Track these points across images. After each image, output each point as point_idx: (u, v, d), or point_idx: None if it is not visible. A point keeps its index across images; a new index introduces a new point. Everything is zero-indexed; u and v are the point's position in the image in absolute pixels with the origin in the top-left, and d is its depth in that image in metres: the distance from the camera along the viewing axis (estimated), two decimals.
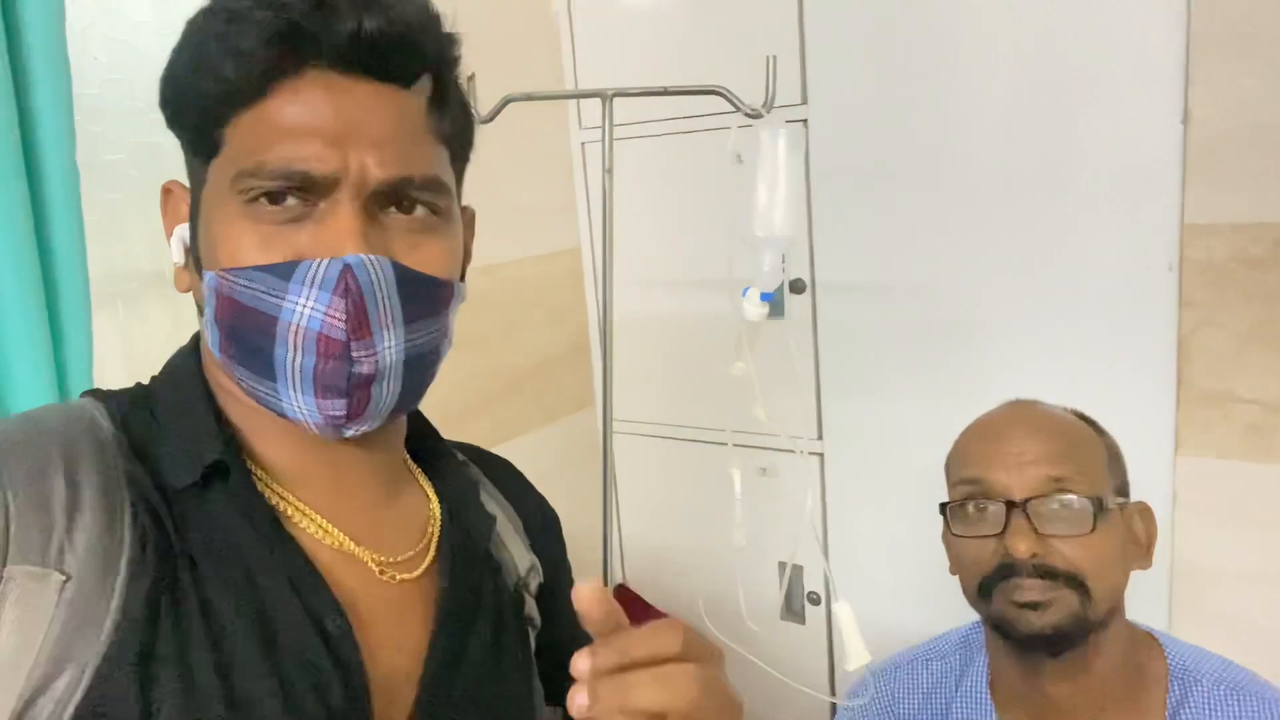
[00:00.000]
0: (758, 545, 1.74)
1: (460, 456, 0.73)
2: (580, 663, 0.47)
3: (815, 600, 1.75)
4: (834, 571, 1.70)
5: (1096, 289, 1.39)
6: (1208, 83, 1.27)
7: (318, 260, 0.51)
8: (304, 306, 0.51)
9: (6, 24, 0.97)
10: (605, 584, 0.80)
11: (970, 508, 0.88)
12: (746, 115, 0.78)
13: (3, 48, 0.95)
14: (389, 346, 0.53)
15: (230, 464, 0.54)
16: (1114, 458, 0.90)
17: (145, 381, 0.62)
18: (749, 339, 0.85)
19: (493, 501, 0.72)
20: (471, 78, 0.96)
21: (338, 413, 0.53)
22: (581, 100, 1.81)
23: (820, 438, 1.67)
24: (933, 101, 1.46)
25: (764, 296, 0.82)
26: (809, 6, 1.52)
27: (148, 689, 0.48)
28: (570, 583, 0.75)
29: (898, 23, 1.47)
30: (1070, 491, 0.84)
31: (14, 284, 0.96)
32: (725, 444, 1.83)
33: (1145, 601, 0.90)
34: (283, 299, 0.51)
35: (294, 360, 0.52)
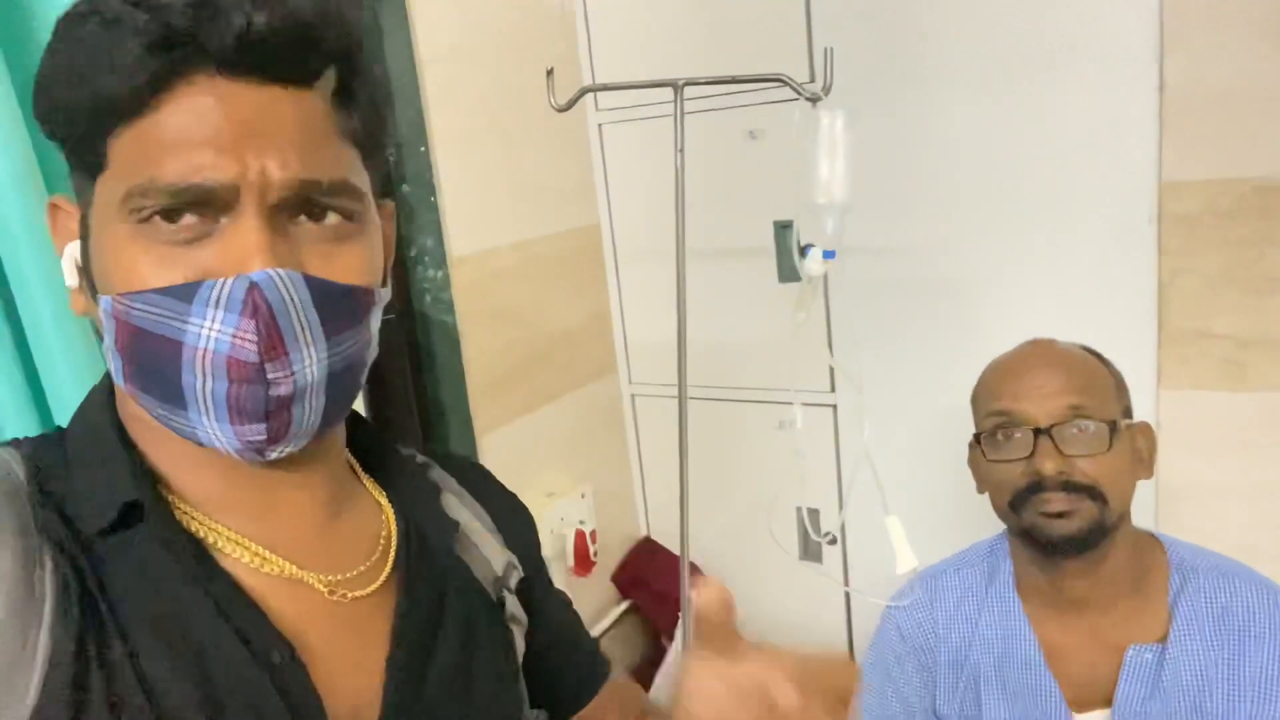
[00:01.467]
0: (777, 492, 1.88)
1: (420, 459, 0.71)
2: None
3: (832, 540, 1.90)
4: (849, 514, 1.85)
5: (1083, 242, 1.54)
6: (1181, 50, 1.41)
7: (221, 280, 0.47)
8: (209, 330, 0.47)
9: None
10: (682, 552, 0.85)
11: (1000, 435, 1.02)
12: (808, 100, 0.90)
13: None
14: (308, 364, 0.49)
15: (145, 502, 0.51)
16: (1120, 386, 1.04)
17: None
18: (813, 292, 0.97)
19: (458, 504, 0.69)
20: (551, 72, 1.06)
21: (257, 437, 0.50)
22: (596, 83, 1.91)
23: (833, 390, 1.81)
24: (927, 76, 1.59)
25: (826, 254, 0.95)
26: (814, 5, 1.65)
27: None
28: (548, 582, 0.77)
29: (893, 11, 1.59)
30: (1088, 417, 0.98)
31: None
32: (736, 400, 1.97)
33: (1135, 520, 1.05)
34: (186, 322, 0.47)
35: (204, 387, 0.48)
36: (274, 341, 0.48)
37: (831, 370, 1.81)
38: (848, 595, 1.95)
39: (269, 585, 0.54)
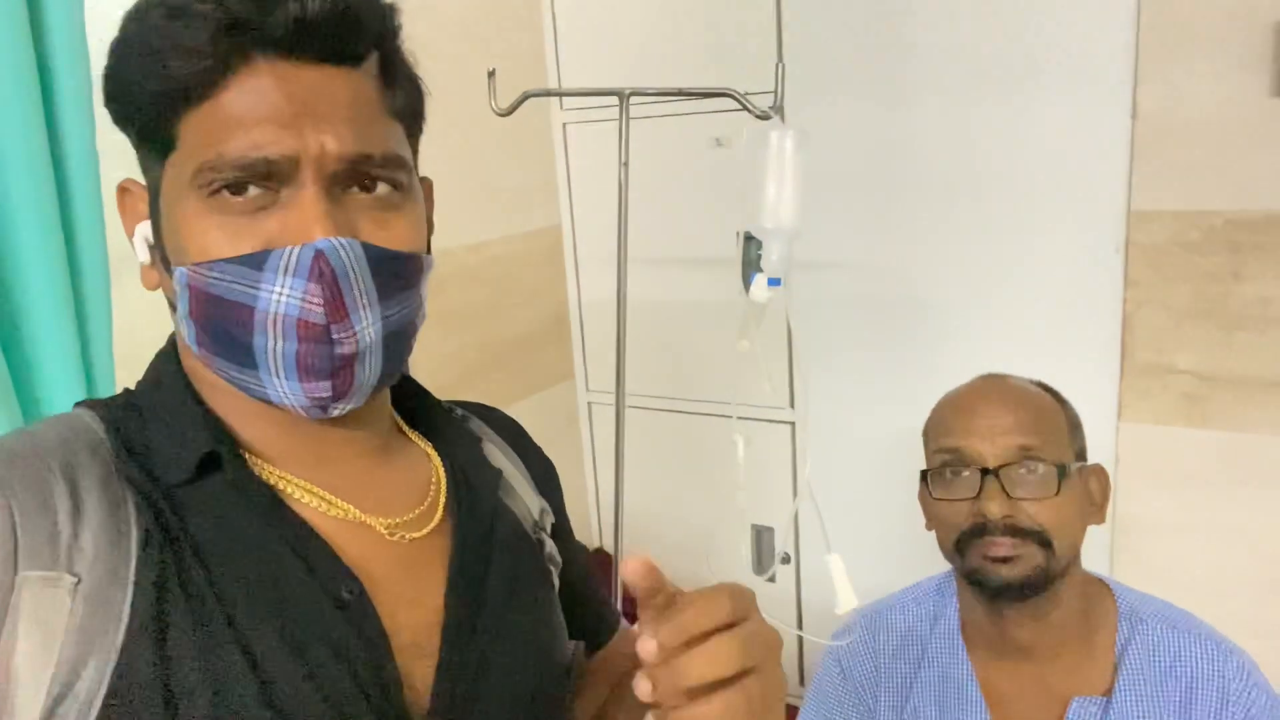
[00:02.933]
0: (731, 509, 1.84)
1: (459, 412, 0.74)
2: (645, 648, 0.48)
3: (786, 560, 1.87)
4: (804, 532, 1.81)
5: (1049, 269, 1.51)
6: (1156, 78, 1.38)
7: (289, 248, 0.51)
8: (280, 294, 0.51)
9: (31, 16, 0.99)
10: (616, 549, 0.84)
11: (948, 473, 0.98)
12: (756, 117, 0.85)
13: (27, 39, 0.98)
14: (367, 326, 0.54)
15: (222, 452, 0.56)
16: (1074, 426, 1.00)
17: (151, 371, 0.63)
18: (756, 319, 0.93)
19: (499, 453, 0.74)
20: (492, 73, 1.02)
21: (323, 394, 0.54)
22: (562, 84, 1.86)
23: (791, 407, 1.78)
24: (897, 98, 1.55)
25: (771, 282, 0.90)
26: (786, 15, 1.60)
27: (170, 680, 0.49)
28: (569, 530, 0.81)
29: (866, 27, 1.55)
30: (1038, 459, 0.94)
31: (41, 262, 1.00)
32: (696, 413, 1.93)
33: (1090, 553, 1.02)
34: (258, 288, 0.51)
35: (275, 347, 0.52)
36: (338, 304, 0.52)
37: (790, 386, 1.77)
38: (800, 610, 1.92)
39: (335, 527, 0.58)
